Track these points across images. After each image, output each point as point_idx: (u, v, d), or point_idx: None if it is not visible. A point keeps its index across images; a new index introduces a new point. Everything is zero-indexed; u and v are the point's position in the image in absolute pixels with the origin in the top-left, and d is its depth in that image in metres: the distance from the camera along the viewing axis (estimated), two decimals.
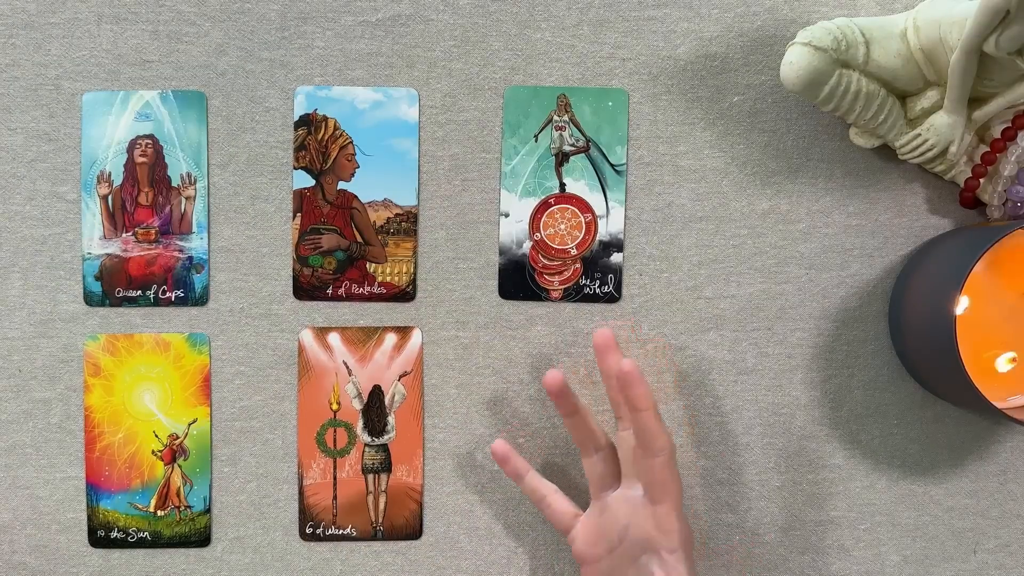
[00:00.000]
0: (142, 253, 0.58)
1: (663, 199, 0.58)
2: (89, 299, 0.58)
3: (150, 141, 0.58)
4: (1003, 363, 0.56)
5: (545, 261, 0.58)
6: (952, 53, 0.50)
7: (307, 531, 0.58)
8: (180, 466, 0.58)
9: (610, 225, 0.58)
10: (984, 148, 0.55)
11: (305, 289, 0.58)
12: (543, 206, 0.58)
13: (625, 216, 0.58)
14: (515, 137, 0.58)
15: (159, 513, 0.58)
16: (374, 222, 0.58)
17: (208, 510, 0.58)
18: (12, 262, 0.58)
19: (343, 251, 0.58)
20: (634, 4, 0.58)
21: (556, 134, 0.58)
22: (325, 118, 0.58)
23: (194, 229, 0.58)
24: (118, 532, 0.58)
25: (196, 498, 0.58)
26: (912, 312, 0.55)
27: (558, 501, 0.56)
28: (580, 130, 0.58)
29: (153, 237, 0.58)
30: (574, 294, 0.58)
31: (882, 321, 0.59)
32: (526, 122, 0.58)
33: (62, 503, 0.58)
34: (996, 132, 0.55)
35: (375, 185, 0.58)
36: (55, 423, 0.58)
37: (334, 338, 0.58)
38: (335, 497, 0.58)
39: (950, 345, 0.50)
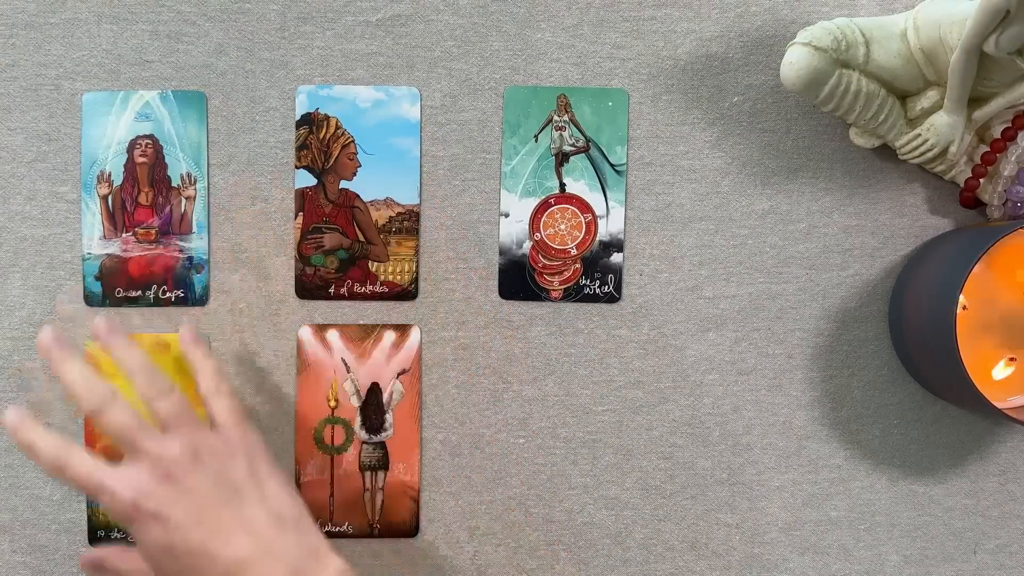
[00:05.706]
0: (142, 253, 0.58)
1: (663, 199, 0.58)
2: (89, 299, 0.58)
3: (150, 141, 0.58)
4: (1000, 369, 0.56)
5: (545, 261, 0.58)
6: (952, 53, 0.50)
7: None
8: None
9: (610, 225, 0.58)
10: (984, 148, 0.56)
11: (308, 288, 0.58)
12: (543, 206, 0.58)
13: (625, 216, 0.58)
14: (515, 137, 0.58)
15: None
16: (376, 221, 0.58)
17: None
18: (12, 262, 0.58)
19: (345, 250, 0.58)
20: (634, 4, 0.58)
21: (556, 134, 0.58)
22: (327, 117, 0.58)
23: (194, 229, 0.58)
24: (118, 532, 0.58)
25: None
26: (912, 312, 0.55)
27: None
28: (580, 130, 0.58)
29: (153, 237, 0.58)
30: (574, 294, 0.58)
31: (882, 321, 0.59)
32: (526, 122, 0.58)
33: (62, 503, 0.58)
34: (996, 132, 0.55)
35: (377, 184, 0.58)
36: (55, 423, 0.58)
37: (333, 335, 0.58)
38: (332, 494, 0.58)
39: (950, 345, 0.50)
